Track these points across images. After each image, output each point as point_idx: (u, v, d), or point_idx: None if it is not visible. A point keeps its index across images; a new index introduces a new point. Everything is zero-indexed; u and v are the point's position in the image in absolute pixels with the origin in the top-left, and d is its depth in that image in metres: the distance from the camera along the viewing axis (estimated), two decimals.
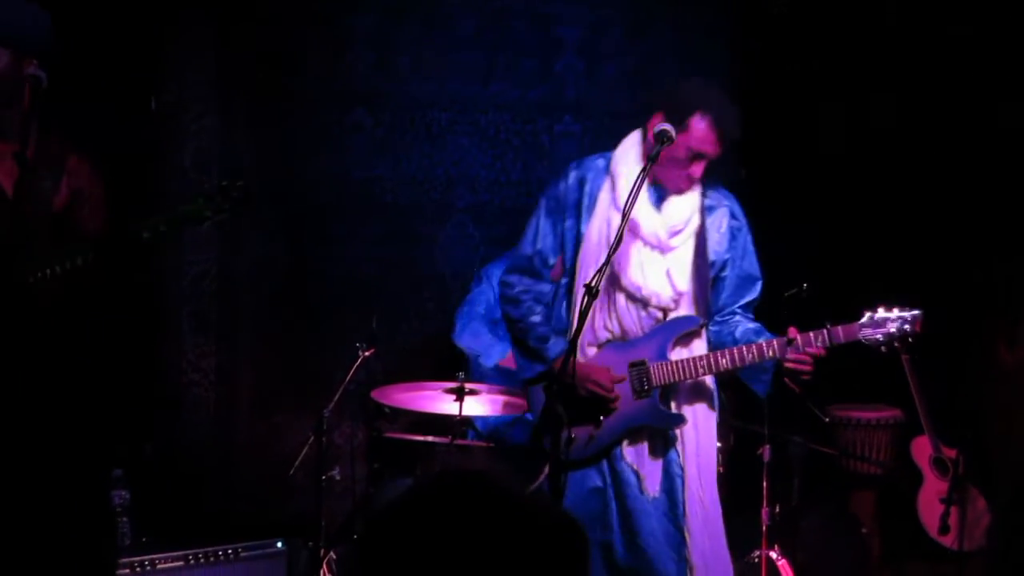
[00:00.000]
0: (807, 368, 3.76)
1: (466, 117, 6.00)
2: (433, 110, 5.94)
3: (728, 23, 6.34)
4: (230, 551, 4.57)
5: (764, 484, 4.90)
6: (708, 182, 3.94)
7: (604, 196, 3.89)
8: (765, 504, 4.89)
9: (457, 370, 4.83)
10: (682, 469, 3.85)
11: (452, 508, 1.59)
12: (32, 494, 3.41)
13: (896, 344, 3.80)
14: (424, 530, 1.57)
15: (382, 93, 5.87)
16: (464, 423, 4.93)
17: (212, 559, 4.52)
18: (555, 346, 3.88)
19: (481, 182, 6.04)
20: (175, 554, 4.48)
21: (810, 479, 5.46)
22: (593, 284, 3.47)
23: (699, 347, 3.90)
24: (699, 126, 3.75)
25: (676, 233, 3.86)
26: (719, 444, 4.30)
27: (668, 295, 3.85)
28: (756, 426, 4.94)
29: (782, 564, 4.91)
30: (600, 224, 3.87)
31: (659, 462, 3.85)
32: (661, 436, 3.87)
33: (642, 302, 3.86)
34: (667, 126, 3.70)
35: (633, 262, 3.83)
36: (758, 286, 4.01)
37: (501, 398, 4.80)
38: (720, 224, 3.94)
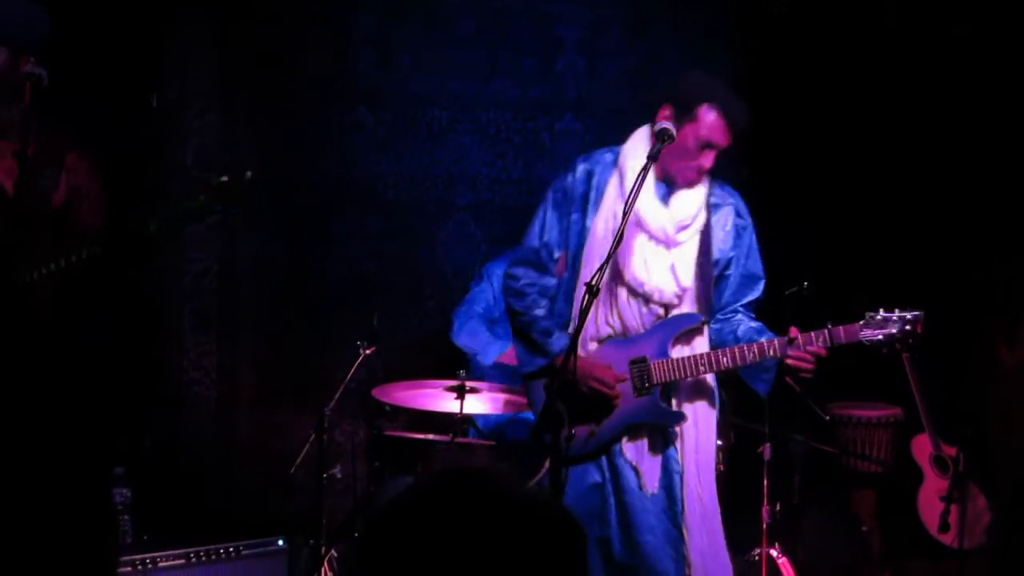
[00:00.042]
0: (808, 366, 3.75)
1: (467, 115, 6.00)
2: (434, 108, 5.94)
3: (728, 23, 6.33)
4: (231, 549, 4.57)
5: (765, 482, 4.91)
6: (713, 180, 3.94)
7: (611, 190, 3.88)
8: (766, 502, 4.90)
9: (458, 368, 4.84)
10: (681, 466, 3.84)
11: (453, 506, 1.59)
12: (33, 492, 3.40)
13: (897, 345, 3.79)
14: (425, 528, 1.57)
15: (383, 91, 5.87)
16: (465, 421, 4.94)
17: (213, 557, 4.52)
18: (558, 341, 3.86)
19: (482, 180, 6.04)
20: (176, 552, 4.47)
21: (811, 477, 5.47)
22: (594, 283, 3.47)
23: (700, 345, 3.89)
24: (708, 115, 3.75)
25: (683, 228, 3.85)
26: (720, 442, 4.30)
27: (671, 291, 3.85)
28: (757, 424, 4.94)
29: (783, 562, 4.92)
30: (606, 218, 3.86)
31: (658, 459, 3.85)
32: (661, 433, 3.87)
33: (644, 298, 3.85)
34: (668, 124, 3.71)
35: (637, 257, 3.82)
36: (761, 285, 4.00)
37: (502, 396, 4.80)
38: (725, 222, 3.93)
